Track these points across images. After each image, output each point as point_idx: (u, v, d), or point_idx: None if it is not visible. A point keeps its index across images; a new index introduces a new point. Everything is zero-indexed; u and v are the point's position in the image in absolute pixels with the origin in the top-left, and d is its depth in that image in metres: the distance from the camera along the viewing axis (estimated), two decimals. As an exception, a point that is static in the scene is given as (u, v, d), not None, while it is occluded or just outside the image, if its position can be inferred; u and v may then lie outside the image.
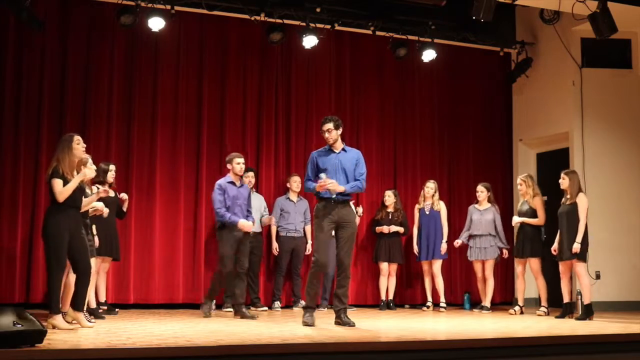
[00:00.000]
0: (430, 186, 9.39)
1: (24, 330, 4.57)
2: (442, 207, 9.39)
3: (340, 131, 6.70)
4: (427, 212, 9.35)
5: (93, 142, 8.27)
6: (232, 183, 7.57)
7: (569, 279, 8.14)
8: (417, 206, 9.50)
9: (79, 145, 6.05)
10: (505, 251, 9.16)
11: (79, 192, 6.03)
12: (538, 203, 8.61)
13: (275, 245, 8.96)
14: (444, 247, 9.27)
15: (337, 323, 6.53)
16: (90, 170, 6.30)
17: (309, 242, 9.09)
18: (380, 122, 10.04)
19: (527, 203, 8.66)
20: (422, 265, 9.44)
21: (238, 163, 7.55)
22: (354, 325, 6.42)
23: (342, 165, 6.61)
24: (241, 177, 7.67)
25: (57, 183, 5.87)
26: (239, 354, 4.74)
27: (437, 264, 9.31)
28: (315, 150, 6.91)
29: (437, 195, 9.40)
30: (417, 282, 9.91)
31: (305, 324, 6.42)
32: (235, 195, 7.51)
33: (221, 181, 7.61)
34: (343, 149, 6.70)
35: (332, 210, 6.51)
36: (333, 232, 6.62)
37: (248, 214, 7.63)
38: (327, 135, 6.64)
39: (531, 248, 8.57)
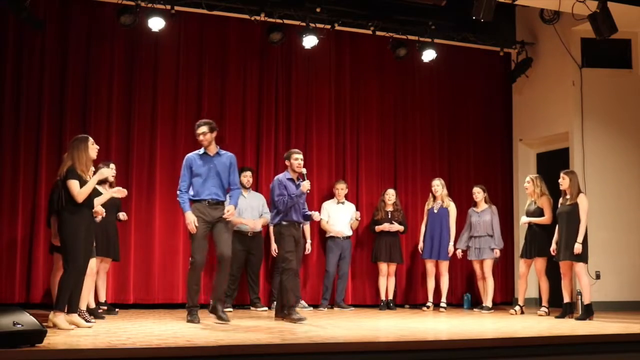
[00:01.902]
0: (437, 184, 9.37)
1: (24, 330, 4.57)
2: (451, 207, 9.34)
3: (214, 134, 6.91)
4: (436, 211, 9.33)
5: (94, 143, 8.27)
6: (292, 180, 7.28)
7: (570, 279, 8.14)
8: (426, 206, 9.49)
9: (93, 145, 6.15)
10: (496, 251, 9.13)
11: (93, 191, 6.09)
12: (545, 202, 8.59)
13: (274, 246, 8.95)
14: (450, 249, 9.25)
15: (211, 311, 6.76)
16: (108, 170, 6.44)
17: (308, 241, 9.12)
18: (380, 122, 10.04)
19: (535, 203, 8.65)
20: (425, 264, 9.43)
21: (296, 159, 7.26)
22: (229, 322, 6.62)
23: (217, 169, 6.85)
24: (301, 172, 7.28)
25: (75, 184, 5.89)
26: (239, 354, 4.74)
27: (444, 265, 9.30)
28: (191, 153, 7.01)
29: (445, 192, 9.38)
30: (417, 282, 9.91)
31: (191, 322, 6.55)
32: (295, 194, 7.19)
33: (281, 177, 7.32)
34: (217, 153, 6.92)
35: (204, 211, 6.76)
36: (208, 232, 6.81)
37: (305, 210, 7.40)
38: (201, 138, 6.84)
39: (538, 248, 8.55)
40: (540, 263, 8.59)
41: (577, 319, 7.76)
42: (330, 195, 9.40)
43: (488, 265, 9.13)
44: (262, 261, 9.03)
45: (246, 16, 9.02)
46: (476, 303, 9.48)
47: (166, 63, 9.01)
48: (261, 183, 9.28)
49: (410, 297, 9.90)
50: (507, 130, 10.68)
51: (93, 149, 6.15)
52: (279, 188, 7.21)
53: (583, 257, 7.85)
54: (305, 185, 7.16)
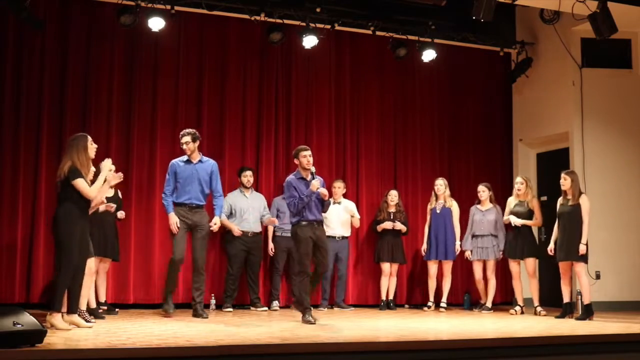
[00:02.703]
0: (440, 183, 9.35)
1: (24, 330, 4.58)
2: (454, 206, 9.32)
3: (197, 143, 7.58)
4: (438, 211, 9.31)
5: (93, 142, 8.28)
6: (302, 179, 7.11)
7: (570, 279, 8.14)
8: (429, 206, 9.48)
9: (92, 145, 6.11)
10: (500, 254, 9.14)
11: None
12: (536, 205, 8.61)
13: (271, 245, 8.94)
14: (457, 248, 9.23)
15: (193, 315, 7.40)
16: (115, 177, 6.35)
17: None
18: (380, 122, 10.03)
19: (526, 204, 8.65)
20: (428, 265, 9.41)
21: (304, 156, 7.08)
22: (207, 317, 7.28)
23: (198, 175, 7.50)
24: (310, 171, 7.10)
25: (83, 183, 5.88)
26: (239, 354, 4.75)
27: (448, 265, 9.29)
28: (175, 159, 7.66)
29: (448, 192, 9.36)
30: (418, 282, 9.91)
31: (166, 311, 7.38)
32: (305, 194, 7.00)
33: (290, 178, 7.14)
34: (200, 160, 7.58)
35: (186, 214, 7.42)
36: (187, 233, 7.47)
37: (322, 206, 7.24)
38: (185, 147, 7.51)
39: (528, 249, 8.58)
40: (531, 264, 8.60)
41: (577, 319, 7.76)
42: (331, 195, 9.37)
43: (491, 266, 9.12)
44: (262, 261, 9.02)
45: (246, 16, 9.01)
46: (475, 303, 9.47)
47: (166, 63, 9.00)
48: (261, 183, 9.27)
49: (410, 297, 9.90)
50: (507, 130, 10.67)
51: (92, 149, 6.10)
52: (288, 190, 7.08)
53: (584, 257, 7.85)
54: (315, 184, 6.98)
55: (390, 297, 9.37)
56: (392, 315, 8.41)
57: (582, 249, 7.77)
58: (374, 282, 9.60)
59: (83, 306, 6.45)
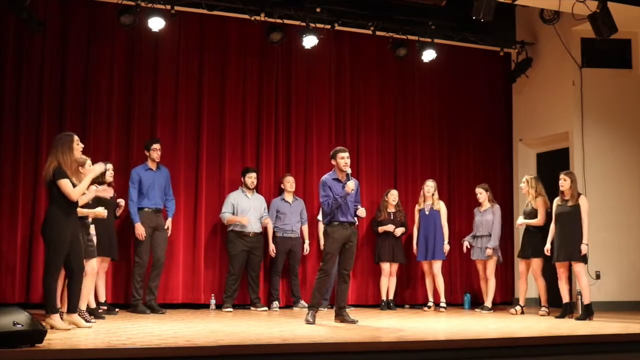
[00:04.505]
0: (430, 185, 9.37)
1: (24, 330, 4.58)
2: (442, 207, 9.34)
3: None
4: (427, 212, 9.31)
5: (93, 142, 8.31)
6: (337, 180, 7.16)
7: (567, 279, 8.15)
8: (417, 207, 9.49)
9: (78, 145, 6.03)
10: (488, 250, 9.03)
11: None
12: (540, 204, 8.60)
13: (272, 247, 8.93)
14: (446, 248, 9.23)
15: (133, 310, 8.01)
16: (100, 166, 6.26)
17: (307, 241, 9.11)
18: (380, 122, 10.03)
19: (530, 204, 8.66)
20: (422, 265, 9.43)
21: (342, 158, 7.15)
22: (164, 313, 7.88)
23: (157, 182, 8.25)
24: (346, 172, 7.14)
25: (67, 183, 5.80)
26: (239, 354, 4.75)
27: (438, 265, 9.29)
28: (136, 167, 8.29)
29: (436, 195, 9.37)
30: (418, 282, 9.91)
31: (142, 312, 7.85)
32: (340, 195, 7.05)
33: (325, 177, 7.20)
34: (158, 168, 8.32)
35: (149, 217, 8.16)
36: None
37: (356, 206, 7.28)
38: (158, 153, 8.28)
39: (534, 249, 8.56)
40: (536, 263, 8.60)
41: (577, 319, 7.77)
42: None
43: (491, 266, 9.11)
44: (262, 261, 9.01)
45: (246, 16, 9.01)
46: (476, 303, 9.48)
47: (166, 63, 9.00)
48: (261, 183, 9.25)
49: (410, 297, 9.90)
50: (507, 130, 10.67)
51: (78, 149, 6.02)
52: (323, 189, 7.10)
53: (584, 258, 7.85)
54: (350, 185, 7.02)
55: (390, 297, 9.37)
56: (392, 315, 8.41)
57: (583, 249, 7.78)
58: (373, 282, 9.60)
59: (83, 306, 6.44)
